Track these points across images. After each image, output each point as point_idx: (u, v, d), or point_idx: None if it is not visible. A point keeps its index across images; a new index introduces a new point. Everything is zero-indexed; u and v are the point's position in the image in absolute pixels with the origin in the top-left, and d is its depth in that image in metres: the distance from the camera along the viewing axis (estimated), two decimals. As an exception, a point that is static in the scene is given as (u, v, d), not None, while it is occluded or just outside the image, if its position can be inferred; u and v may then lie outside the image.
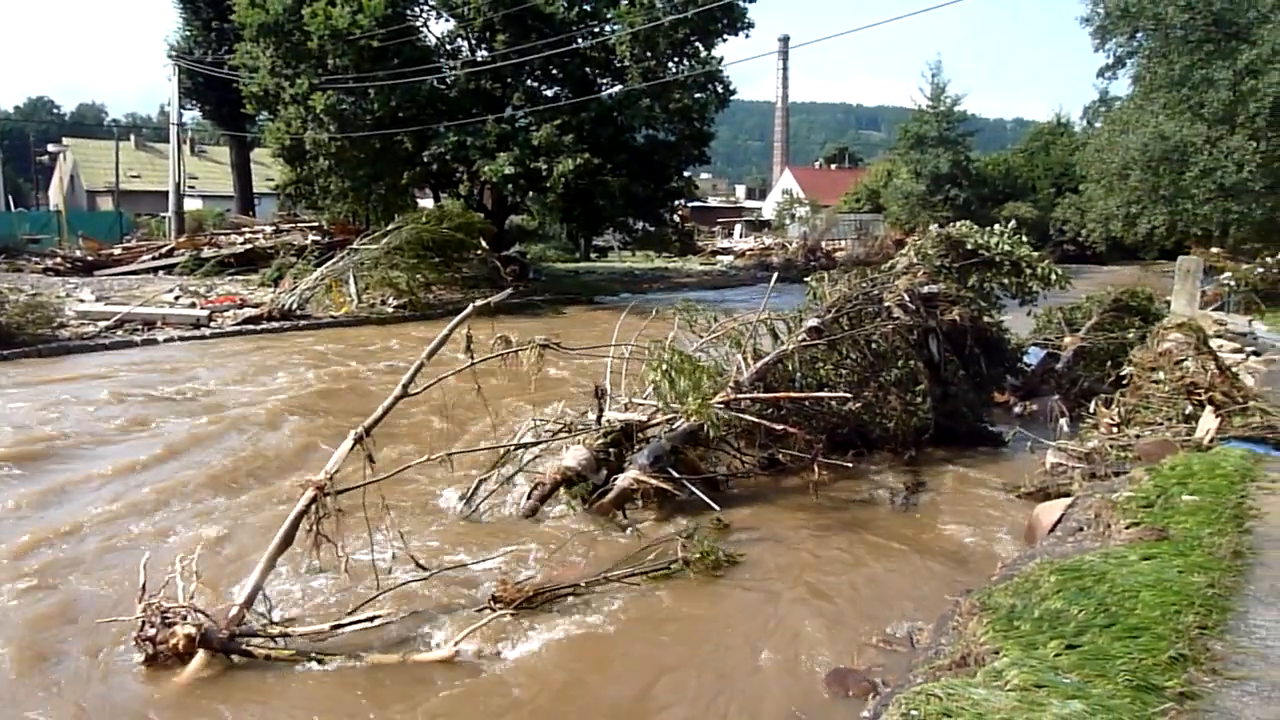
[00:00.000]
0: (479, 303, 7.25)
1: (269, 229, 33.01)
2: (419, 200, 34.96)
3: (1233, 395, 8.75)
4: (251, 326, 19.70)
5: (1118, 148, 23.89)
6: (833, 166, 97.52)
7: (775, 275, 12.44)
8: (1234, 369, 11.08)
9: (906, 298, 10.49)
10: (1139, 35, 25.41)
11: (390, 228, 23.99)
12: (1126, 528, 6.01)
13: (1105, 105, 33.53)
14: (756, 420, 9.21)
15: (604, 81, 30.33)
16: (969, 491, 9.27)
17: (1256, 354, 13.92)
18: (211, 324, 19.50)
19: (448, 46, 29.46)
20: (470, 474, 8.64)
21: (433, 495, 8.57)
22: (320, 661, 5.33)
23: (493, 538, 7.52)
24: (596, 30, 29.46)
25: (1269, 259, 22.80)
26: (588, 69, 29.65)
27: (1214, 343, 13.23)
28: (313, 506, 5.73)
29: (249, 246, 30.31)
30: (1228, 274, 21.89)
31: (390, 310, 22.44)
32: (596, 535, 7.67)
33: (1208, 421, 8.23)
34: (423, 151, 26.91)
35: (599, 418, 8.87)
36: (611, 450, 8.59)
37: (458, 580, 6.56)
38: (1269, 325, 17.28)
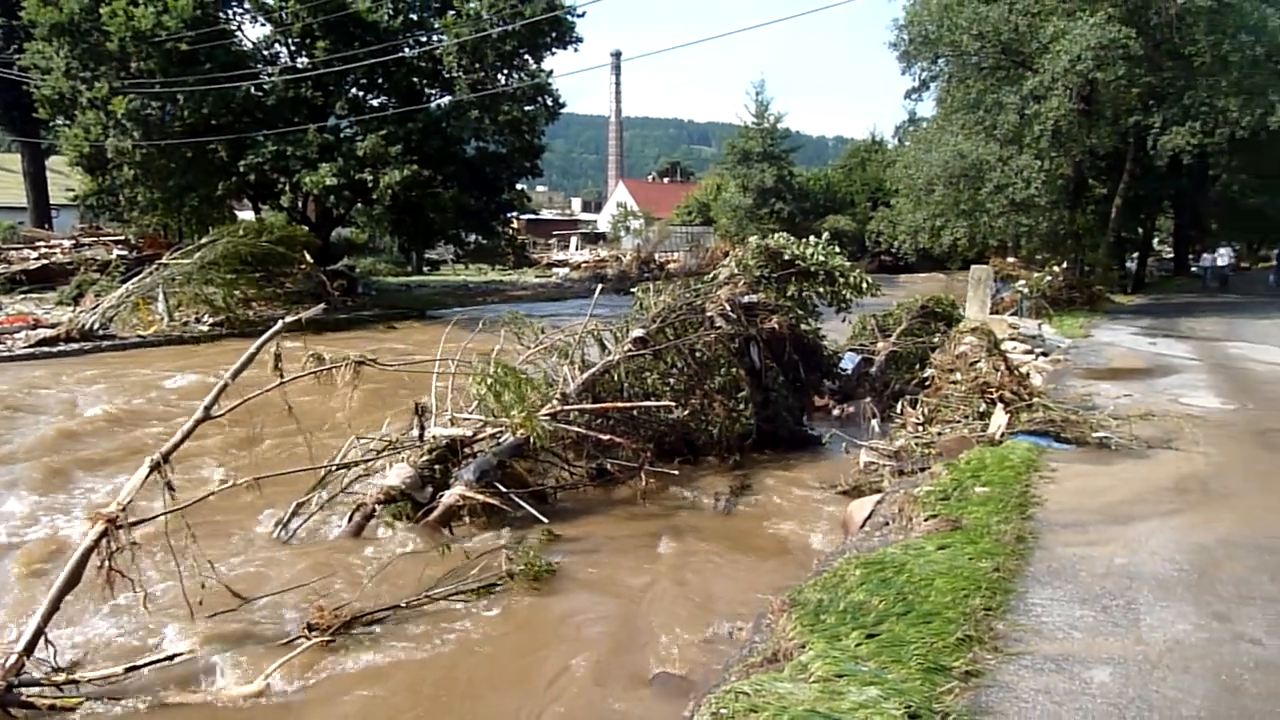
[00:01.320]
0: (289, 319, 6.96)
1: (68, 243, 30.55)
2: (238, 212, 33.27)
3: (1021, 393, 9.50)
4: (47, 349, 18.18)
5: (923, 164, 25.50)
6: (666, 180, 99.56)
7: (601, 287, 12.59)
8: (1024, 369, 12.02)
9: (728, 307, 10.82)
10: (940, 61, 27.24)
11: (205, 241, 22.70)
12: (926, 520, 6.41)
13: (913, 125, 35.70)
14: (584, 431, 9.28)
15: (432, 92, 29.85)
16: (791, 492, 9.64)
17: (1045, 354, 15.16)
18: (-1, 347, 17.88)
19: (265, 52, 28.20)
20: (293, 498, 8.28)
21: (248, 521, 8.15)
22: (114, 707, 4.96)
23: (312, 562, 7.22)
24: (423, 40, 28.98)
25: (1055, 268, 24.90)
26: (415, 79, 29.10)
27: (1007, 345, 14.33)
28: (103, 540, 5.33)
29: (44, 263, 27.94)
30: (1021, 281, 23.73)
31: (205, 328, 21.22)
32: (422, 554, 7.49)
33: (999, 418, 8.90)
34: (239, 161, 25.62)
35: (422, 434, 8.69)
36: (437, 467, 8.43)
37: (271, 609, 6.26)
38: (1056, 328, 18.86)
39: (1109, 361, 14.97)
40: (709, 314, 10.75)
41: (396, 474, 8.15)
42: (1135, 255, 41.26)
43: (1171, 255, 52.00)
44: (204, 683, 5.26)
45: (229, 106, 25.22)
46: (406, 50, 28.00)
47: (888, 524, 6.84)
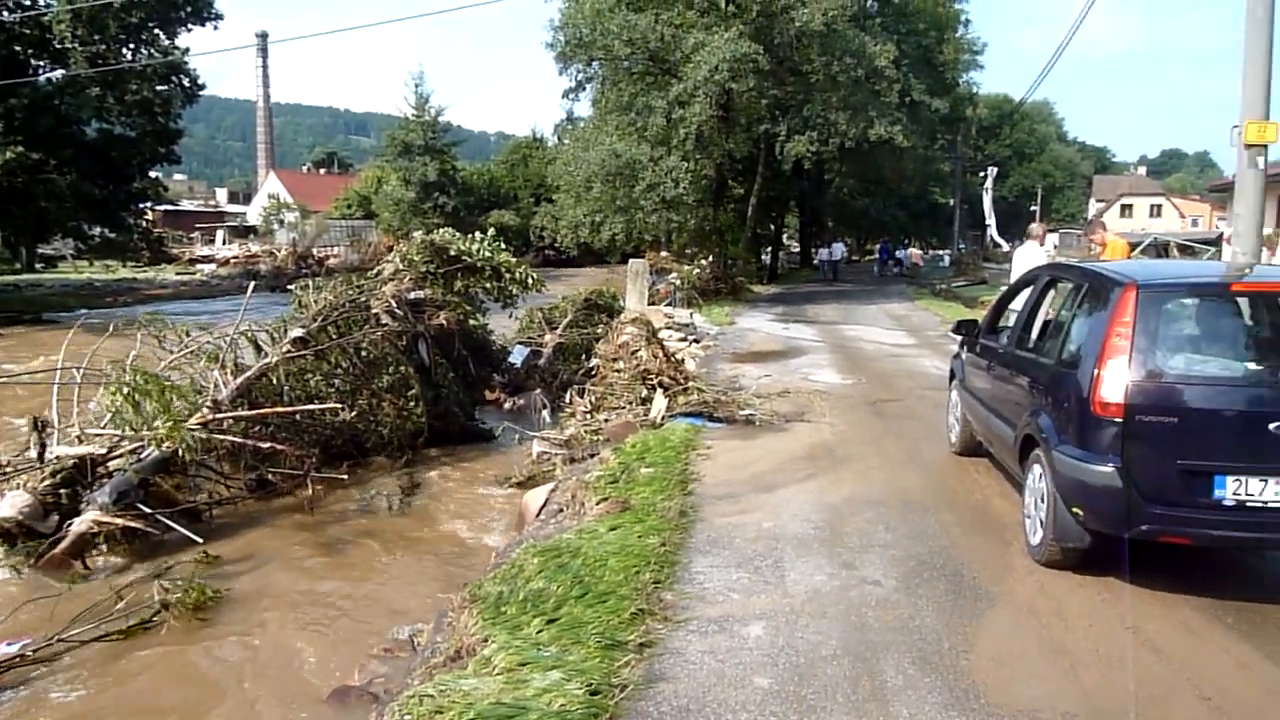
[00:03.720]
0: None
1: None
2: None
3: (678, 378, 10.20)
4: None
5: (582, 162, 26.54)
6: (322, 171, 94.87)
7: (254, 285, 11.74)
8: (679, 355, 12.90)
9: (394, 304, 10.57)
10: (595, 63, 28.43)
11: None
12: (597, 504, 6.68)
13: (571, 124, 36.94)
14: (241, 440, 8.62)
15: (40, 64, 26.06)
16: (465, 488, 9.62)
17: (697, 341, 16.37)
18: None
19: None
20: None
21: None
22: None
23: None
24: (26, 3, 25.19)
25: (703, 261, 26.94)
26: (17, 47, 25.23)
27: (664, 334, 15.28)
28: None
29: None
30: (675, 274, 25.43)
31: None
32: (52, 593, 6.55)
33: (659, 402, 9.49)
34: None
35: (42, 454, 7.60)
36: (64, 491, 7.42)
37: None
38: (705, 317, 20.44)
39: (751, 345, 16.50)
40: (374, 311, 10.43)
41: (10, 503, 7.05)
42: (769, 249, 45.74)
43: (798, 249, 58.29)
44: None
45: None
46: (4, 13, 24.20)
47: (562, 511, 7.04)
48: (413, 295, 11.23)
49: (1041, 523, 5.28)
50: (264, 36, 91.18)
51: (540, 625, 4.55)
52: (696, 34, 24.44)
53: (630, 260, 16.42)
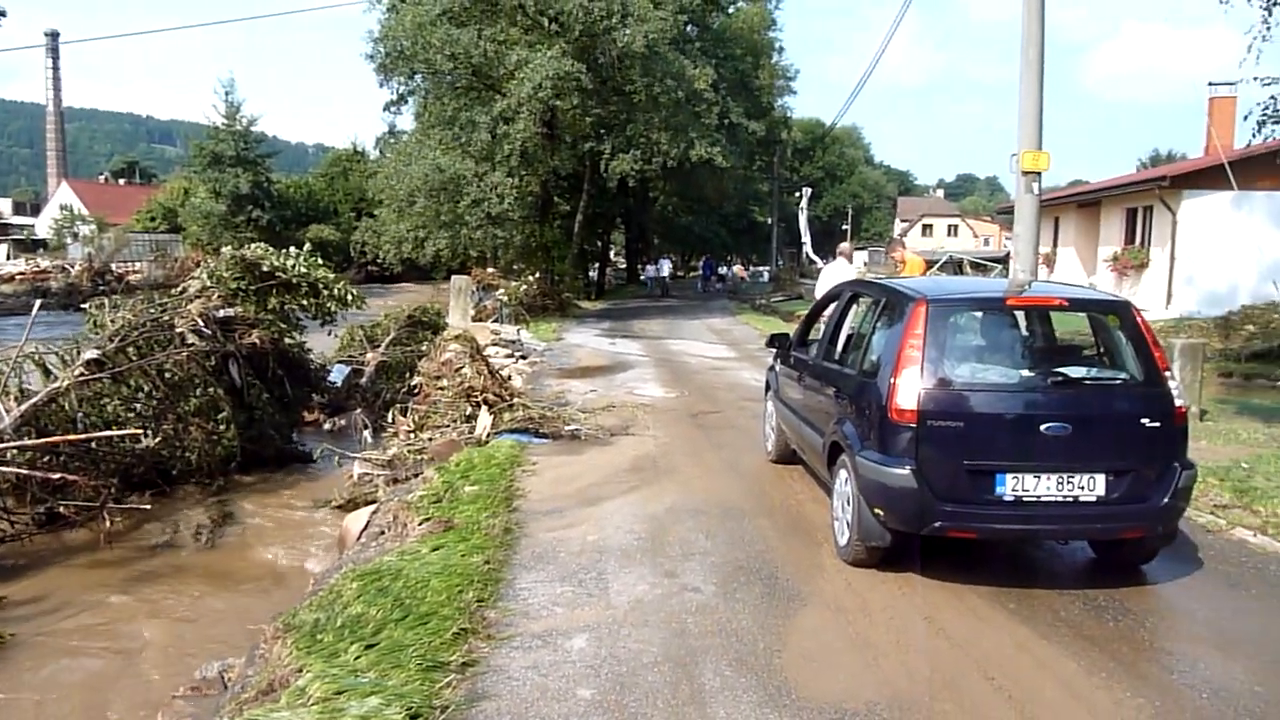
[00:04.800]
0: None
1: None
2: None
3: (503, 395, 10.15)
4: None
5: (404, 176, 25.98)
6: (122, 181, 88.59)
7: (41, 303, 10.85)
8: (505, 372, 12.85)
9: (201, 322, 10.02)
10: (417, 76, 27.92)
11: None
12: (420, 524, 6.56)
13: (394, 136, 36.18)
14: (26, 471, 7.94)
15: None
16: (282, 514, 9.22)
17: (524, 357, 16.32)
18: None
19: None
20: None
21: None
22: None
23: None
24: None
25: (530, 278, 26.92)
26: None
27: (490, 350, 15.17)
28: None
29: None
30: (502, 290, 25.26)
31: None
32: None
33: (484, 419, 9.42)
34: None
35: None
36: None
37: None
38: (533, 333, 20.42)
39: (578, 361, 16.61)
40: (180, 330, 9.84)
41: None
42: (597, 265, 46.25)
43: (625, 265, 59.24)
44: None
45: None
46: None
47: (384, 533, 6.87)
48: (222, 313, 10.67)
49: (848, 524, 5.59)
50: (54, 36, 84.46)
51: (359, 651, 4.42)
52: (520, 51, 24.47)
53: (454, 277, 16.22)
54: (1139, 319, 5.50)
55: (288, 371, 11.75)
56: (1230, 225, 20.51)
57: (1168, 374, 5.31)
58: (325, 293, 12.91)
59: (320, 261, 13.37)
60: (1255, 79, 10.62)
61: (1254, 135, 10.17)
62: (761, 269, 63.71)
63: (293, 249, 13.20)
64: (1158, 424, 5.14)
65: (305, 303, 12.89)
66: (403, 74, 27.30)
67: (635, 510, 6.87)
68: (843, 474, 5.72)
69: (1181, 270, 23.86)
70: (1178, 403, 5.23)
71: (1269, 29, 9.24)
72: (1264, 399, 12.59)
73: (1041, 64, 11.74)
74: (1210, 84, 26.83)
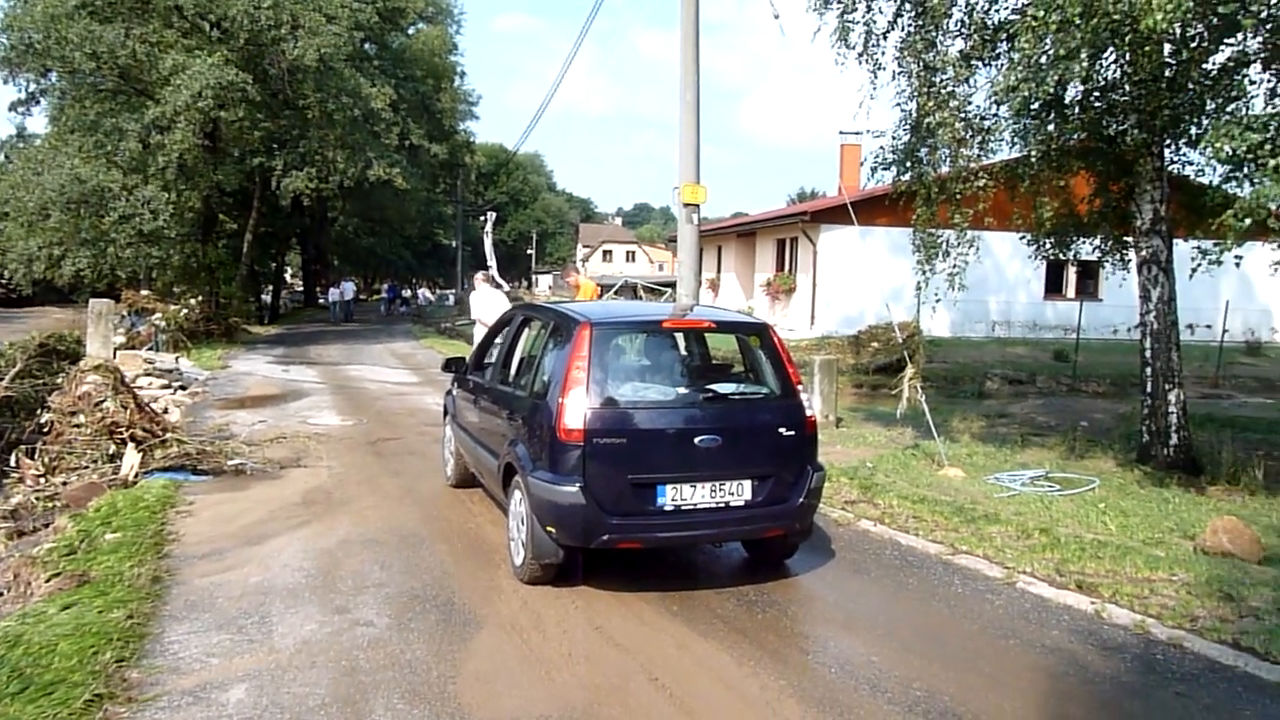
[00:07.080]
0: None
1: None
2: None
3: (154, 429, 9.21)
4: None
5: (35, 186, 22.75)
6: None
7: None
8: (160, 404, 11.71)
9: None
10: (51, 75, 24.73)
11: None
12: (48, 580, 5.79)
13: (23, 141, 31.79)
14: None
15: None
16: None
17: (184, 388, 14.95)
18: None
19: None
20: None
21: None
22: None
23: None
24: None
25: (192, 301, 24.76)
26: None
27: (144, 381, 13.77)
28: None
29: None
30: (158, 315, 22.96)
31: None
32: None
33: (131, 458, 8.50)
34: None
35: None
36: None
37: None
38: (194, 361, 18.77)
39: (246, 390, 15.51)
40: None
41: None
42: (270, 288, 43.47)
43: (303, 288, 56.23)
44: None
45: None
46: None
47: (1, 595, 5.98)
48: None
49: (523, 544, 5.70)
50: None
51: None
52: (176, 55, 22.40)
53: (92, 301, 14.49)
54: (776, 339, 6.13)
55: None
56: (858, 256, 23.40)
57: (800, 387, 5.96)
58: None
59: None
60: (868, 131, 12.31)
61: (869, 179, 11.69)
62: (448, 292, 63.21)
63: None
64: (793, 432, 5.75)
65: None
66: (34, 71, 24.04)
67: (305, 546, 6.54)
68: (517, 494, 5.82)
69: (822, 294, 26.93)
70: (808, 412, 5.88)
71: (875, 89, 10.69)
72: (887, 406, 14.45)
73: (697, 105, 12.75)
74: (841, 132, 30.67)
